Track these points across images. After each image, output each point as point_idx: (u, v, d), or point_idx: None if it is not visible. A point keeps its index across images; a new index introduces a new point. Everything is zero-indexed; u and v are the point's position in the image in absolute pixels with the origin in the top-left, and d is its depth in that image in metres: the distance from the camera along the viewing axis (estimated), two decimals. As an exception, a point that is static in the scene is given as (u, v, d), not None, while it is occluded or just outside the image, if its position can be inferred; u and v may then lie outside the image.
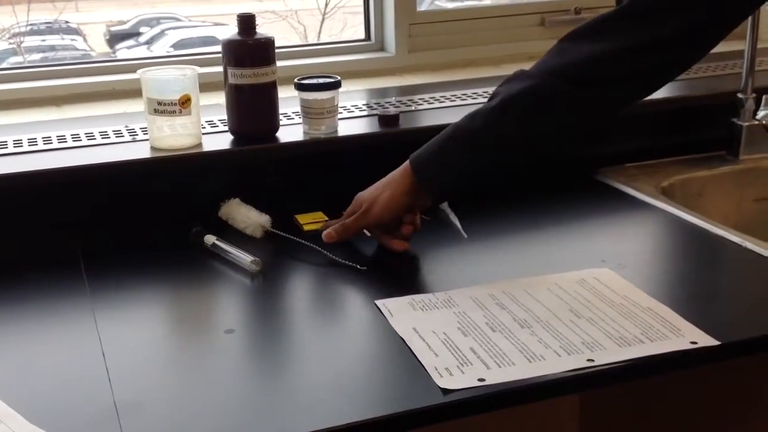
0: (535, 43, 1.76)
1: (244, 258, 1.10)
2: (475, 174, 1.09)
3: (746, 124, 1.46)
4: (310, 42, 2.38)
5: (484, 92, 1.50)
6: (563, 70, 1.04)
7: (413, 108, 1.42)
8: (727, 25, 1.04)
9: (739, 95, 1.46)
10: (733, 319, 0.96)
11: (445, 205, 1.22)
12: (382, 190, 1.13)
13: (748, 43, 1.44)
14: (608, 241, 1.19)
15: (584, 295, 1.01)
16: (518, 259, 1.14)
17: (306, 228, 1.21)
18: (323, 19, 2.66)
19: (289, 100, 1.35)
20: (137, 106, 1.39)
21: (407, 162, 1.12)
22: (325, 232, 1.15)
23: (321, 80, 1.29)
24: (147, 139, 1.26)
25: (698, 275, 1.10)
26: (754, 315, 0.98)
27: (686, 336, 0.91)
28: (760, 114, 1.46)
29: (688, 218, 1.23)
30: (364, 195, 1.15)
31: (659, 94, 1.50)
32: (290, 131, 1.31)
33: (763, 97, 1.46)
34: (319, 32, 2.64)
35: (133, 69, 1.31)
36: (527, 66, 1.69)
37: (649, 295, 1.00)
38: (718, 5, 1.01)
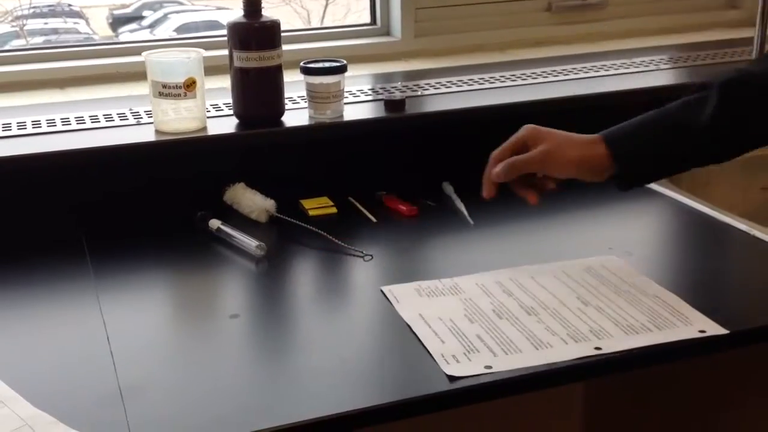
0: (542, 28, 1.75)
1: (249, 242, 1.10)
2: (677, 162, 1.03)
3: (754, 112, 1.44)
4: (314, 26, 2.37)
5: (491, 77, 1.49)
6: None
7: (419, 93, 1.41)
8: None
9: (748, 83, 1.44)
10: (741, 308, 0.96)
11: (450, 191, 1.21)
12: (569, 146, 1.03)
13: (757, 31, 1.43)
14: (615, 229, 1.18)
15: (591, 283, 1.01)
16: (525, 246, 1.13)
17: (311, 213, 1.21)
18: (327, 4, 2.64)
19: (294, 84, 1.34)
20: (142, 89, 1.38)
21: (599, 136, 1.03)
22: (494, 171, 1.05)
23: (327, 64, 1.28)
24: (151, 123, 1.25)
25: (706, 263, 1.10)
26: (762, 303, 0.97)
27: (694, 324, 0.91)
28: (769, 102, 1.45)
29: (695, 206, 1.23)
30: (544, 134, 1.04)
31: (665, 81, 1.50)
32: (296, 115, 1.30)
33: (772, 84, 1.45)
34: (323, 17, 2.62)
35: (137, 51, 1.30)
36: (534, 51, 1.69)
37: (657, 282, 1.00)
38: None
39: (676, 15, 1.82)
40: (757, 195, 1.43)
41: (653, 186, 1.30)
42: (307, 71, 1.27)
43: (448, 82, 1.47)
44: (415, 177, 1.30)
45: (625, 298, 0.97)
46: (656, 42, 1.73)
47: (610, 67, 1.55)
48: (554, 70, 1.53)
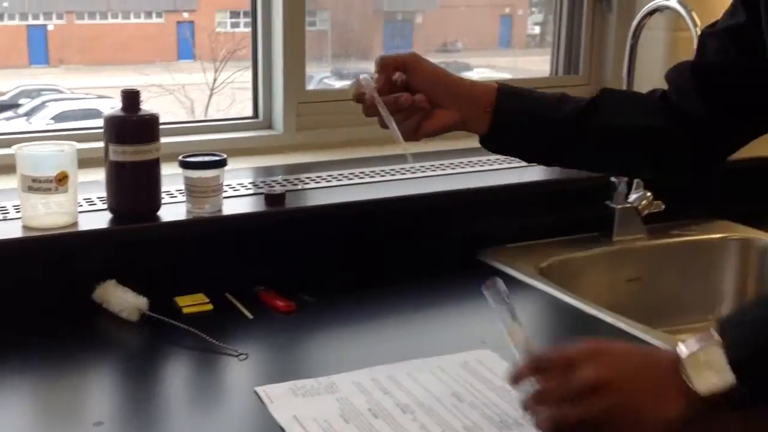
0: (421, 123, 1.80)
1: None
2: (552, 127, 1.03)
3: (619, 206, 1.52)
4: (198, 117, 2.37)
5: (371, 171, 1.52)
6: None
7: (300, 187, 1.42)
8: None
9: (612, 179, 1.53)
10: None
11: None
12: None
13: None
14: (489, 323, 1.19)
15: (466, 378, 1.02)
16: (402, 342, 1.14)
17: (186, 310, 1.18)
18: (211, 94, 2.65)
19: (173, 177, 1.32)
20: (11, 182, 1.34)
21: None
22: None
23: (206, 158, 1.28)
24: (19, 218, 1.21)
25: (575, 356, 1.13)
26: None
27: (563, 419, 0.92)
28: (632, 197, 1.53)
29: (564, 299, 1.27)
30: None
31: (538, 175, 1.57)
32: (173, 210, 1.28)
33: (635, 180, 1.54)
34: (207, 107, 2.63)
35: (8, 144, 1.26)
36: (414, 145, 1.73)
37: (529, 377, 1.02)
38: None
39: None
40: (622, 286, 1.49)
41: (525, 279, 1.34)
42: (185, 165, 1.27)
43: (329, 176, 1.49)
44: (294, 271, 1.30)
45: (498, 393, 0.99)
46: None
47: (486, 163, 1.60)
48: (432, 165, 1.58)
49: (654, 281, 1.51)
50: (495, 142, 1.05)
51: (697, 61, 1.04)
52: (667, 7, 1.42)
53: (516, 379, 0.83)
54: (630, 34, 1.48)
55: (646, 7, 1.46)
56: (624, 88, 1.45)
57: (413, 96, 0.99)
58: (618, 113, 1.04)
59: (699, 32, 1.33)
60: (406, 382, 1.01)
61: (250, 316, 1.17)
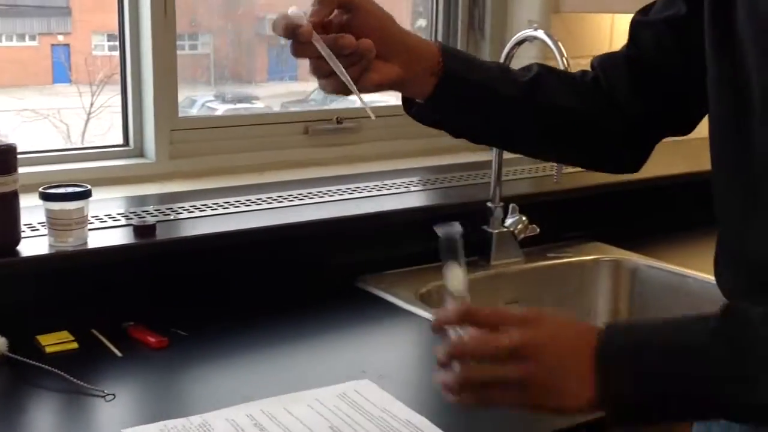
0: (299, 150, 1.78)
1: None
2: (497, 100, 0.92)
3: (496, 231, 1.54)
4: (75, 142, 2.27)
5: (247, 200, 1.49)
6: None
7: (172, 217, 1.38)
8: None
9: (489, 204, 1.55)
10: (484, 429, 0.99)
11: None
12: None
13: (494, 154, 1.55)
14: (369, 351, 1.19)
15: (344, 410, 1.00)
16: (278, 374, 1.11)
17: (48, 350, 1.12)
18: (88, 119, 2.55)
19: (38, 209, 1.26)
20: None
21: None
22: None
23: (68, 189, 1.22)
24: None
25: (454, 382, 1.13)
26: (501, 423, 1.01)
27: (441, 448, 0.92)
28: (508, 222, 1.56)
29: (444, 324, 1.27)
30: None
31: (417, 202, 1.58)
32: (34, 244, 1.22)
33: (510, 205, 1.57)
34: (84, 133, 2.53)
35: None
36: (292, 173, 1.71)
37: (408, 406, 1.01)
38: None
39: (425, 138, 1.92)
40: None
41: (405, 305, 1.33)
42: (46, 197, 1.21)
43: (203, 205, 1.45)
44: (166, 305, 1.25)
45: (376, 424, 0.97)
46: (408, 164, 1.82)
47: (363, 189, 1.60)
48: (310, 192, 1.56)
49: (532, 303, 1.54)
50: (431, 110, 0.91)
51: (632, 54, 0.98)
52: (535, 38, 1.46)
53: (440, 323, 0.79)
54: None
55: (515, 37, 1.50)
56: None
57: (357, 41, 0.82)
58: (557, 92, 0.96)
59: (566, 61, 1.39)
60: (282, 416, 0.98)
61: (118, 353, 1.12)
